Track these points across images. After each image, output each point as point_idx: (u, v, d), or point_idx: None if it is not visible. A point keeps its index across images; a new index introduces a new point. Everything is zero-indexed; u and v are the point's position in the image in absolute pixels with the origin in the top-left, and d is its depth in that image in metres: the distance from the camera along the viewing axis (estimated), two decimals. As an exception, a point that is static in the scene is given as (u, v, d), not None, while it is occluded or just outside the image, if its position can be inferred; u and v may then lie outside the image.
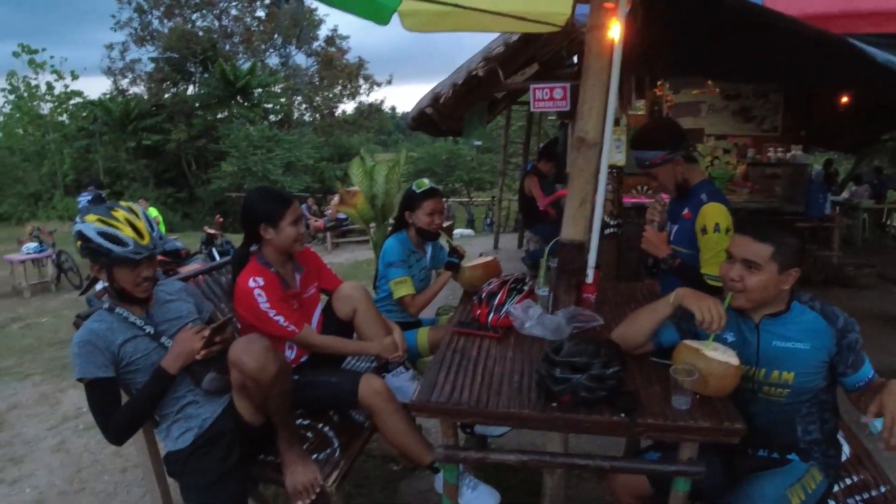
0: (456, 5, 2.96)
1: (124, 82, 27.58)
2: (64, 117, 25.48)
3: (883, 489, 2.07)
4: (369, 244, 11.21)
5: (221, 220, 10.34)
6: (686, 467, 1.70)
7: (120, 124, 23.12)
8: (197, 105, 24.72)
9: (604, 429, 1.64)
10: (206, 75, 25.15)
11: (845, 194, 12.24)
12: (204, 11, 27.04)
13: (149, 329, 2.08)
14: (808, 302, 1.81)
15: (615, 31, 2.00)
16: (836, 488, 2.05)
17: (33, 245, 9.05)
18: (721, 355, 1.69)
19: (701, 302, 1.75)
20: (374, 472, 3.12)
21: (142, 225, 2.02)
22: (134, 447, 2.57)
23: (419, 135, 28.56)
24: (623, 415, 1.60)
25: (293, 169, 22.21)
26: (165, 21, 26.49)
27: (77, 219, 2.06)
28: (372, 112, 31.13)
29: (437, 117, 5.90)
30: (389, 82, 35.11)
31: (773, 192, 7.11)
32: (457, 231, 12.94)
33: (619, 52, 2.02)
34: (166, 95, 25.63)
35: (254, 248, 2.52)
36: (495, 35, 5.18)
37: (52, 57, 28.95)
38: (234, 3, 27.10)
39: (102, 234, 1.94)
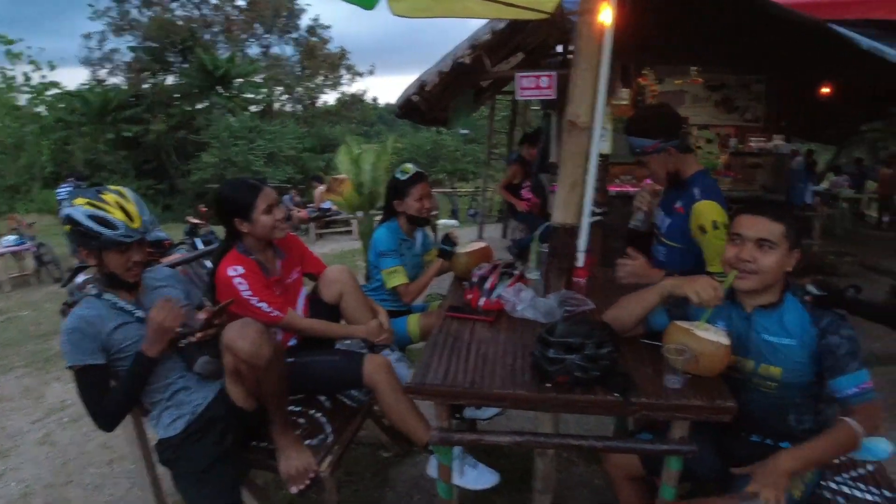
0: (445, -10, 2.96)
1: (103, 73, 27.09)
2: (41, 108, 25.00)
3: (871, 468, 2.12)
4: (353, 234, 11.17)
5: (205, 209, 10.20)
6: (678, 446, 1.72)
7: (98, 115, 22.72)
8: (177, 95, 24.39)
9: (598, 408, 1.66)
10: (185, 65, 24.81)
11: (826, 184, 12.41)
12: (183, 0, 26.67)
13: (139, 314, 2.05)
14: (801, 296, 1.82)
15: (606, 15, 2.01)
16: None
17: (12, 238, 8.88)
18: (712, 335, 1.71)
19: (693, 284, 1.76)
20: (364, 459, 3.13)
21: (132, 208, 1.99)
22: (122, 438, 2.54)
23: (402, 125, 28.48)
24: (617, 394, 1.62)
25: (275, 160, 22.01)
26: (144, 10, 25.98)
27: (62, 206, 2.03)
28: (354, 102, 30.92)
29: (424, 105, 5.88)
30: (371, 73, 34.99)
31: (755, 181, 7.18)
32: (440, 221, 12.91)
33: (609, 36, 2.03)
34: (145, 86, 25.21)
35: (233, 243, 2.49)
36: (482, 23, 5.18)
37: (29, 48, 28.46)
38: (215, -8, 26.76)
39: (93, 218, 1.92)
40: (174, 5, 26.50)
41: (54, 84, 24.54)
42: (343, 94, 30.66)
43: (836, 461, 2.15)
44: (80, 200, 1.94)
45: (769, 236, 1.73)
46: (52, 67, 24.36)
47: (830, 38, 3.02)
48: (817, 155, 15.55)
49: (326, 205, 11.51)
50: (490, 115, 8.38)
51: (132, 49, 25.48)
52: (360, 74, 30.64)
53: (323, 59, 28.92)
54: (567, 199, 2.10)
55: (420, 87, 5.64)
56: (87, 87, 25.04)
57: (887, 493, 1.95)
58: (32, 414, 4.05)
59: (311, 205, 12.31)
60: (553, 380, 1.66)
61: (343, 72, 29.89)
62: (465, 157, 26.53)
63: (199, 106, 24.58)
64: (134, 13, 26.21)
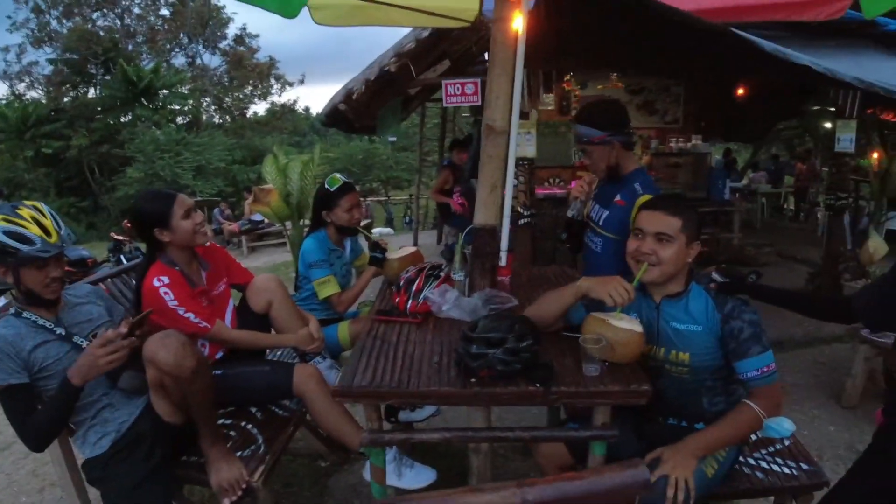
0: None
1: (21, 87, 26.13)
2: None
3: (787, 442, 2.26)
4: (287, 246, 11.03)
5: (130, 224, 9.87)
6: (600, 432, 1.81)
7: (17, 131, 21.65)
8: (99, 109, 23.52)
9: (521, 399, 1.72)
10: (107, 77, 23.97)
11: (745, 181, 13.05)
12: (105, 10, 25.76)
13: (59, 331, 2.01)
14: (705, 284, 1.93)
15: (518, 22, 2.08)
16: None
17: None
18: (626, 324, 1.80)
19: (606, 286, 1.83)
20: (302, 470, 3.11)
21: (48, 223, 1.96)
22: (52, 464, 2.46)
23: (335, 135, 28.24)
24: (538, 384, 1.69)
25: (204, 172, 21.48)
26: (64, 21, 25.08)
27: None
28: (285, 112, 30.64)
29: (351, 114, 5.90)
30: (302, 82, 34.69)
31: (676, 180, 7.49)
32: (376, 230, 12.92)
33: (522, 42, 2.11)
34: (66, 99, 24.27)
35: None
36: (407, 31, 5.24)
37: None
38: (136, 2, 25.96)
39: (8, 234, 1.87)
40: (95, 15, 25.72)
41: (-30, 99, 23.34)
42: (273, 104, 30.42)
43: (755, 437, 2.31)
44: None
45: (667, 230, 1.83)
46: (-33, 82, 23.17)
47: (735, 42, 3.22)
48: (738, 153, 16.37)
49: (258, 217, 11.33)
50: (420, 123, 8.46)
51: (52, 62, 24.60)
52: (291, 84, 30.49)
53: (251, 69, 28.51)
54: (487, 201, 2.16)
55: (347, 95, 5.66)
56: (4, 102, 24.01)
57: (804, 466, 2.10)
58: (-47, 444, 3.83)
59: (243, 217, 12.09)
60: (476, 374, 1.71)
61: (273, 81, 29.65)
62: (398, 164, 26.59)
63: (122, 119, 23.76)
64: (54, 24, 25.36)
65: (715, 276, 1.92)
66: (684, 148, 7.68)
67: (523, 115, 5.15)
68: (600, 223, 2.62)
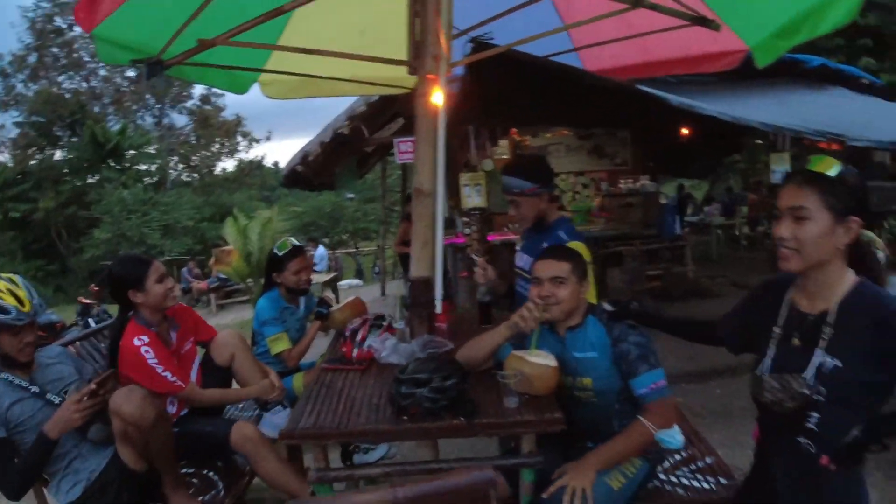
0: (309, 75, 3.28)
1: (-12, 150, 25.93)
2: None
3: (709, 460, 2.47)
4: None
5: (97, 288, 9.92)
6: (527, 459, 2.01)
7: (-17, 196, 21.60)
8: (66, 171, 23.49)
9: (447, 431, 1.92)
10: (74, 139, 24.03)
11: (702, 215, 13.51)
12: (71, 73, 25.99)
13: (34, 389, 2.20)
14: (600, 315, 2.18)
15: (438, 97, 2.36)
16: (665, 465, 2.43)
17: None
18: (541, 359, 2.04)
19: (519, 312, 2.10)
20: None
21: (22, 293, 2.16)
22: None
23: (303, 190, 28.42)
24: (462, 418, 1.90)
25: (172, 231, 21.49)
26: (31, 84, 25.27)
27: None
28: (253, 168, 30.86)
29: (309, 174, 6.16)
30: (269, 138, 35.13)
31: (628, 219, 7.82)
32: (345, 282, 13.05)
33: (443, 114, 2.38)
34: (33, 162, 24.27)
35: (130, 314, 2.64)
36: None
37: None
38: (102, 64, 26.13)
39: None
40: (61, 78, 25.90)
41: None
42: (241, 160, 30.63)
43: (679, 457, 2.52)
44: None
45: (560, 273, 2.09)
46: (-69, 146, 22.99)
47: (650, 98, 3.57)
48: (699, 187, 16.95)
49: (223, 275, 11.44)
50: (382, 176, 8.75)
51: (18, 125, 24.70)
52: (258, 140, 30.81)
53: (218, 128, 28.74)
54: (420, 256, 2.40)
55: (304, 157, 5.93)
56: (-29, 165, 23.85)
57: (723, 481, 2.29)
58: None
59: (212, 275, 12.16)
60: (407, 412, 1.92)
61: (240, 139, 29.96)
62: (366, 216, 26.63)
63: (89, 180, 23.72)
64: (20, 88, 25.47)
65: (605, 305, 2.17)
66: (633, 188, 8.07)
67: (472, 168, 5.48)
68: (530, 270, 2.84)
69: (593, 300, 2.31)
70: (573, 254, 2.17)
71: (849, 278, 1.49)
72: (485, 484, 1.06)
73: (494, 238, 6.21)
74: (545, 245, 2.75)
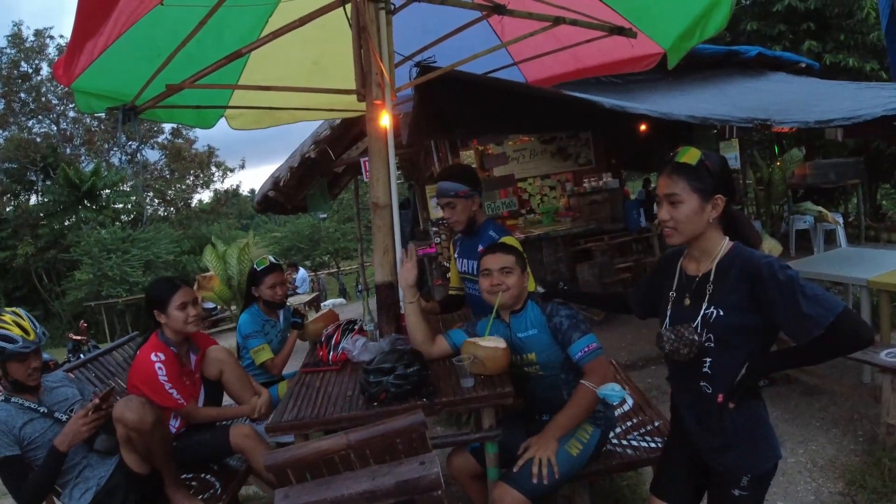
0: (272, 108, 3.56)
1: (-39, 199, 25.69)
2: None
3: (657, 423, 2.78)
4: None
5: (86, 325, 10.08)
6: (487, 433, 2.28)
7: (-41, 246, 21.44)
8: (42, 215, 23.36)
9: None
10: (48, 182, 23.90)
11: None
12: (40, 117, 25.94)
13: (43, 409, 2.46)
14: (536, 299, 2.46)
15: (385, 119, 2.64)
16: (617, 431, 2.71)
17: None
18: (492, 343, 2.32)
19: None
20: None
21: (27, 324, 2.43)
22: None
23: (282, 214, 28.51)
24: (424, 399, 2.17)
25: (153, 267, 21.40)
26: (1, 131, 25.15)
27: None
28: (229, 198, 30.89)
29: (282, 198, 6.39)
30: (243, 166, 35.08)
31: (595, 216, 8.10)
32: (328, 301, 13.25)
33: (391, 135, 2.66)
34: (8, 209, 24.09)
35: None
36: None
37: None
38: (71, 106, 26.08)
39: None
40: (31, 123, 25.79)
41: None
42: (217, 191, 30.65)
43: (630, 423, 2.80)
44: None
45: (507, 264, 2.39)
46: None
47: (585, 103, 3.87)
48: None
49: (210, 305, 11.60)
50: (355, 194, 8.97)
51: (-10, 172, 24.36)
52: (232, 170, 30.78)
53: (191, 160, 28.73)
54: (382, 262, 2.66)
55: (274, 183, 6.17)
56: (-56, 215, 23.62)
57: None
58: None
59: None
60: (376, 398, 2.18)
61: (214, 169, 29.85)
62: (345, 236, 26.82)
63: (67, 223, 23.56)
64: (-11, 135, 25.26)
65: (539, 288, 2.47)
66: (597, 186, 8.37)
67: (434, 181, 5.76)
68: (474, 272, 3.02)
69: (532, 288, 2.58)
70: (515, 248, 2.48)
71: (725, 243, 1.79)
72: (419, 425, 1.33)
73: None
74: (480, 247, 3.01)
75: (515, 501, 2.15)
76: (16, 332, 2.38)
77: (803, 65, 7.84)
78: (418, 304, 2.53)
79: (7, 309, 2.48)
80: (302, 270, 13.04)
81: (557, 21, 2.89)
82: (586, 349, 2.29)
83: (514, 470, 2.22)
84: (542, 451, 2.21)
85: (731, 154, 7.26)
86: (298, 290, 10.44)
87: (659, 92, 6.38)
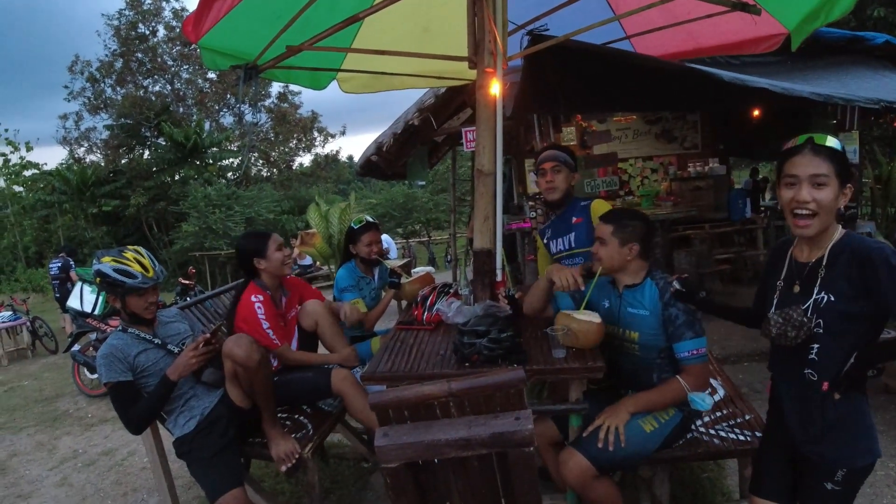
0: (382, 73, 3.64)
1: (80, 151, 27.70)
2: (20, 189, 25.30)
3: (748, 417, 2.69)
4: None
5: (194, 270, 10.75)
6: (574, 406, 2.29)
7: (78, 192, 23.05)
8: (153, 169, 24.82)
9: (502, 377, 2.22)
10: (159, 139, 25.36)
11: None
12: (156, 77, 27.39)
13: (157, 341, 2.65)
14: (658, 279, 2.39)
15: (496, 88, 2.64)
16: (705, 420, 2.65)
17: (7, 314, 9.31)
18: (587, 317, 2.31)
19: (560, 273, 2.41)
20: (348, 470, 3.65)
21: (147, 262, 2.63)
22: (132, 474, 3.41)
23: (377, 182, 29.19)
24: (515, 365, 2.20)
25: (254, 224, 22.31)
26: (118, 88, 26.69)
27: (94, 262, 2.63)
28: (329, 163, 31.64)
29: (383, 164, 6.54)
30: (343, 133, 35.81)
31: (697, 203, 7.81)
32: (419, 268, 13.40)
33: (500, 103, 2.66)
34: (123, 161, 25.59)
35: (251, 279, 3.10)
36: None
37: (6, 130, 28.23)
38: (185, 67, 27.49)
39: (117, 271, 2.54)
40: (147, 82, 27.23)
41: (32, 164, 24.73)
42: (317, 155, 31.43)
43: (720, 413, 2.73)
44: (106, 259, 2.57)
45: (601, 234, 2.38)
46: (29, 148, 24.45)
47: (702, 77, 3.72)
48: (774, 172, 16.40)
49: (307, 261, 12.07)
50: (452, 166, 9.03)
51: (108, 127, 25.91)
52: (333, 136, 31.41)
53: (295, 124, 29.61)
54: (482, 229, 2.69)
55: (378, 147, 6.32)
56: (65, 165, 25.42)
57: (759, 434, 2.48)
58: (48, 463, 4.50)
59: (295, 262, 12.86)
60: (468, 359, 2.23)
61: (315, 134, 30.59)
62: (437, 206, 27.20)
63: (176, 177, 24.91)
64: (108, 92, 26.91)
65: (675, 284, 2.33)
66: (702, 171, 8.05)
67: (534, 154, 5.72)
68: (572, 246, 3.07)
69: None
70: (618, 218, 2.40)
71: (839, 230, 1.72)
72: (519, 381, 1.36)
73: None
74: (574, 218, 3.05)
75: (578, 464, 2.18)
76: (136, 268, 2.57)
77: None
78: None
79: (129, 247, 2.67)
80: (385, 236, 13.27)
81: (678, -8, 2.77)
82: (695, 352, 2.24)
83: (584, 434, 2.26)
84: (612, 419, 2.22)
85: (851, 147, 6.77)
86: (389, 255, 10.64)
87: (776, 76, 6.02)
